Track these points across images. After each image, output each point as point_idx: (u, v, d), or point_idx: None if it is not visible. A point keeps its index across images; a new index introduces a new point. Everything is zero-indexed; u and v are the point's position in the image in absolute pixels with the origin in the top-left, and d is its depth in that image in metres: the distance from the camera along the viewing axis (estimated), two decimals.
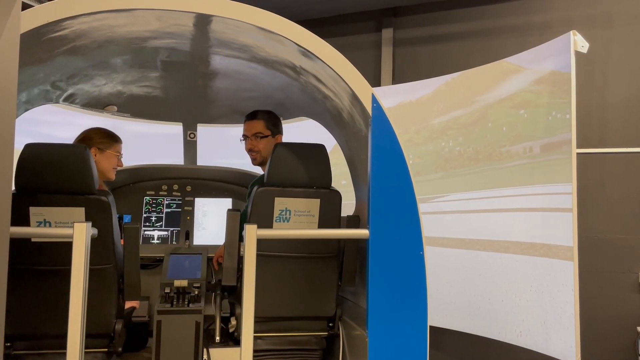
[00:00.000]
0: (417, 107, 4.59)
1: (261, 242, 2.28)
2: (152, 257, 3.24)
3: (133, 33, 2.17)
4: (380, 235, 2.06)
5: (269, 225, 2.32)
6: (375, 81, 5.11)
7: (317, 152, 2.39)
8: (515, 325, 3.67)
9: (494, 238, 3.90)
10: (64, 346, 2.08)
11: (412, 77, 4.77)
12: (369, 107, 2.07)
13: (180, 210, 3.28)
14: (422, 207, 4.60)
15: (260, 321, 2.41)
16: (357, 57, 5.15)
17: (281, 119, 2.96)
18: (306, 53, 2.07)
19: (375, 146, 2.07)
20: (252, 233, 1.80)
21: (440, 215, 4.34)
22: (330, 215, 2.37)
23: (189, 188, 3.30)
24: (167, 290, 2.80)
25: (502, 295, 3.79)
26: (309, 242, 2.38)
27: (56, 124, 4.52)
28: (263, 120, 2.87)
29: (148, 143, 4.53)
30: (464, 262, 4.11)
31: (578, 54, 3.31)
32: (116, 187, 3.22)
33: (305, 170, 2.34)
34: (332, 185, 2.47)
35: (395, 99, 4.71)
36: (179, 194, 3.29)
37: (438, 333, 4.49)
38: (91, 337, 2.23)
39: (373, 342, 2.03)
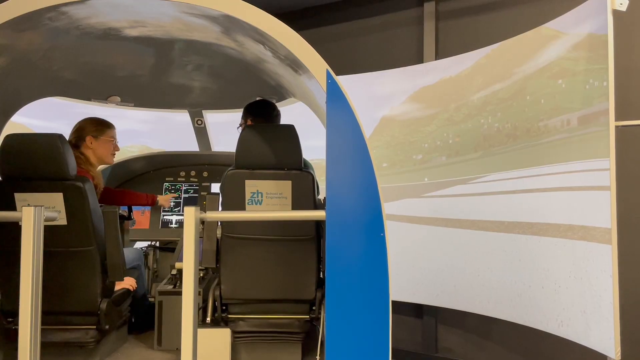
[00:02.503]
0: (456, 83, 4.35)
1: (237, 225, 2.29)
2: (174, 240, 3.38)
3: (109, 23, 2.25)
4: (337, 216, 1.97)
5: (241, 208, 2.33)
6: (418, 58, 4.89)
7: (286, 132, 2.34)
8: (556, 314, 3.40)
9: (533, 220, 3.62)
10: (58, 322, 2.23)
11: (457, 50, 4.51)
12: (323, 84, 1.99)
13: (197, 195, 3.38)
14: (461, 189, 4.39)
15: (240, 303, 2.44)
16: (399, 35, 4.98)
17: (274, 101, 2.94)
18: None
19: (331, 124, 1.98)
20: (190, 216, 1.81)
21: (479, 197, 4.11)
22: (303, 196, 2.32)
23: (205, 174, 3.39)
24: (174, 272, 2.91)
25: (541, 281, 3.52)
26: (284, 225, 2.35)
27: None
28: None
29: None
30: (504, 246, 3.86)
31: (616, 12, 2.94)
32: (137, 174, 3.38)
33: (274, 152, 2.30)
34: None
35: (435, 76, 4.50)
36: (196, 179, 3.38)
37: (482, 321, 4.27)
38: (79, 314, 2.38)
39: (330, 329, 1.96)
